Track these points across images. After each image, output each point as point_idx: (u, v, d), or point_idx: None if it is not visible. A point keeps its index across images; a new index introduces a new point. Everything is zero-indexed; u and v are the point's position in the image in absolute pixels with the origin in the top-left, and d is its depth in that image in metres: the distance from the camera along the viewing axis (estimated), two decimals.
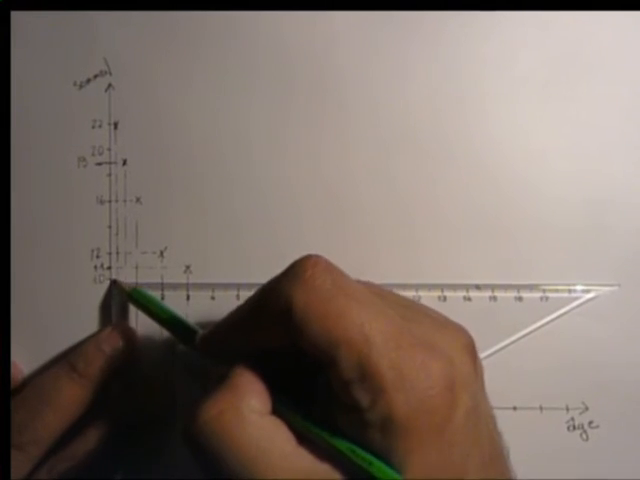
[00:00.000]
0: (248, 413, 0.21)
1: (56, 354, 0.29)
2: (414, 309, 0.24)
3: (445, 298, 0.29)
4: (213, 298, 0.29)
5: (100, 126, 0.29)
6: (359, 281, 0.23)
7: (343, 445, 0.21)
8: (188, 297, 0.29)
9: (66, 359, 0.28)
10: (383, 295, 0.24)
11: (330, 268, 0.22)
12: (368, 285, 0.24)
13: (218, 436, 0.21)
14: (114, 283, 0.29)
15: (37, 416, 0.27)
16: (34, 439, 0.27)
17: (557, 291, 0.29)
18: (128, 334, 0.29)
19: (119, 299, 0.29)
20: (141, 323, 0.29)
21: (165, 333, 0.29)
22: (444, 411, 0.21)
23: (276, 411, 0.22)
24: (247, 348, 0.23)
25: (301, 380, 0.23)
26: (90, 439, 0.28)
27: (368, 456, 0.21)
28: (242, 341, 0.23)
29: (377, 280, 0.29)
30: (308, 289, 0.21)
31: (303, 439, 0.21)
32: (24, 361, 0.29)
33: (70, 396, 0.28)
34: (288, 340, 0.22)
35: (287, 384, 0.23)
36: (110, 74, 0.29)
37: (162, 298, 0.29)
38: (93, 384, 0.28)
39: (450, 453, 0.21)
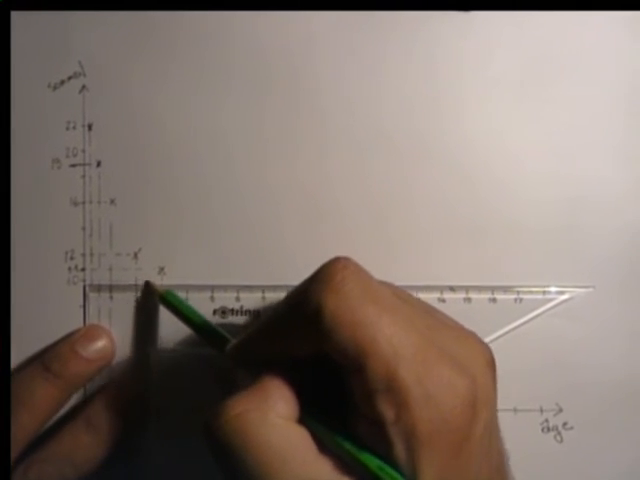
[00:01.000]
0: (273, 417, 0.21)
1: (30, 355, 0.29)
2: (434, 316, 0.24)
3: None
4: (187, 300, 0.29)
5: (74, 128, 0.29)
6: (383, 283, 0.23)
7: (372, 462, 0.21)
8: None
9: (40, 360, 0.28)
10: (406, 299, 0.24)
11: (360, 272, 0.22)
12: (392, 289, 0.24)
13: (240, 435, 0.21)
14: (147, 284, 0.29)
15: (12, 417, 0.27)
16: None
17: (531, 292, 0.29)
18: (103, 335, 0.29)
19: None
20: (115, 325, 0.29)
21: (140, 335, 0.30)
22: (465, 429, 0.21)
23: (302, 420, 0.22)
24: (277, 356, 0.23)
25: (327, 390, 0.23)
26: (65, 440, 0.28)
27: (396, 474, 0.20)
28: (272, 348, 0.23)
29: None
30: (338, 294, 0.21)
31: (325, 449, 0.21)
32: None
33: (44, 397, 0.28)
34: (317, 347, 0.21)
35: (314, 394, 0.22)
36: (84, 75, 0.29)
37: (136, 300, 0.29)
38: (67, 385, 0.28)
39: (466, 467, 0.21)
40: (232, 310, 0.30)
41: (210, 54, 0.30)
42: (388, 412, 0.20)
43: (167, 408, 0.29)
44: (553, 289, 0.29)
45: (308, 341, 0.22)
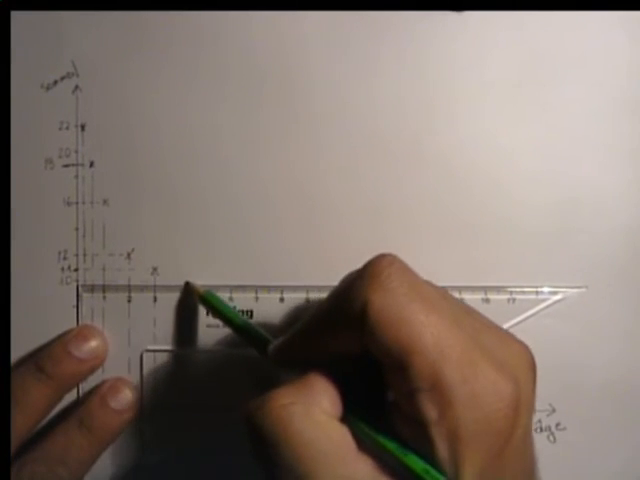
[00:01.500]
0: (318, 412, 0.21)
1: (23, 355, 0.29)
2: (476, 317, 0.23)
3: None
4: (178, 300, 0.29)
5: (67, 128, 0.29)
6: (427, 282, 0.23)
7: (417, 464, 0.20)
8: (155, 299, 0.29)
9: (33, 360, 0.28)
10: (449, 299, 0.23)
11: (406, 269, 0.22)
12: (436, 287, 0.24)
13: (282, 426, 0.21)
14: (187, 284, 0.29)
15: None
16: None
17: (524, 293, 0.29)
18: (96, 335, 0.29)
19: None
20: (108, 325, 0.29)
21: (133, 335, 0.30)
22: (507, 432, 0.20)
23: (343, 419, 0.22)
24: (319, 356, 0.23)
25: (368, 389, 0.23)
26: (58, 440, 0.28)
27: (441, 477, 0.20)
28: (315, 347, 0.23)
29: None
30: (384, 291, 0.21)
31: (364, 449, 0.21)
32: None
33: (37, 397, 0.28)
34: (360, 345, 0.21)
35: (355, 393, 0.22)
36: (77, 76, 0.29)
37: (129, 300, 0.29)
38: (60, 385, 0.28)
39: (504, 471, 0.21)
40: None
41: (203, 54, 0.30)
42: (431, 411, 0.20)
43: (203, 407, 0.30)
44: (546, 289, 0.29)
45: (352, 339, 0.21)
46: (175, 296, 0.29)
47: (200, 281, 0.29)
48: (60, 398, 0.29)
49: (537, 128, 0.29)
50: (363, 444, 0.21)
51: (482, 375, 0.20)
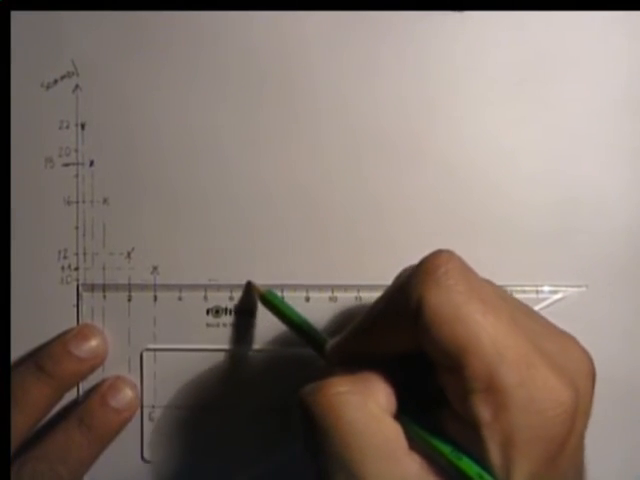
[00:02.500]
0: (372, 405, 0.21)
1: (22, 355, 0.29)
2: (536, 319, 0.23)
3: None
4: (180, 299, 0.29)
5: (67, 127, 0.29)
6: (485, 280, 0.22)
7: (471, 469, 0.20)
8: (155, 298, 0.29)
9: (33, 359, 0.28)
10: (508, 299, 0.23)
11: (463, 266, 0.21)
12: (494, 287, 0.23)
13: (335, 414, 0.20)
14: (249, 284, 0.29)
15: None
16: None
17: (525, 292, 0.29)
18: (96, 334, 0.29)
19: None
20: (109, 324, 0.29)
21: (133, 334, 0.30)
22: (562, 439, 0.20)
23: (397, 418, 0.22)
24: (376, 355, 0.22)
25: (421, 388, 0.23)
26: (59, 439, 0.28)
27: None
28: (371, 346, 0.23)
29: (356, 280, 0.29)
30: (440, 288, 0.20)
31: (415, 447, 0.21)
32: None
33: (38, 396, 0.28)
34: (415, 344, 0.21)
35: (408, 392, 0.22)
36: (77, 75, 0.29)
37: (129, 299, 0.29)
38: (60, 384, 0.28)
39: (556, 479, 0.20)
40: (226, 309, 0.30)
41: (204, 54, 0.30)
42: (485, 413, 0.20)
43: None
44: (546, 288, 0.29)
45: (407, 337, 0.21)
46: (175, 295, 0.29)
47: (201, 280, 0.29)
48: (60, 397, 0.29)
49: (537, 128, 0.29)
50: (414, 443, 0.21)
51: (540, 379, 0.20)
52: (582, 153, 0.30)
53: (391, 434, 0.21)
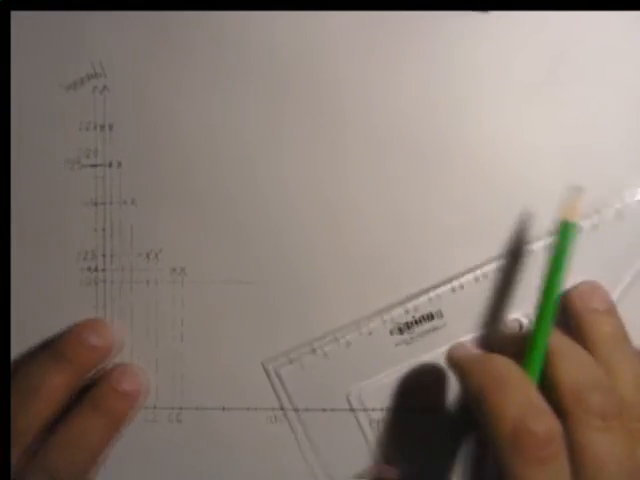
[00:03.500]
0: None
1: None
2: None
3: None
4: (207, 300, 0.29)
5: (94, 128, 0.29)
6: None
7: None
8: (182, 299, 0.29)
9: (52, 347, 0.28)
10: None
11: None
12: None
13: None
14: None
15: (26, 405, 0.27)
16: (24, 429, 0.27)
17: None
18: (111, 324, 0.29)
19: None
20: (135, 326, 0.29)
21: (160, 336, 0.29)
22: None
23: None
24: None
25: None
26: (75, 425, 0.28)
27: None
28: None
29: (377, 283, 0.29)
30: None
31: None
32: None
33: (57, 384, 0.28)
34: None
35: None
36: (105, 76, 0.29)
37: (156, 301, 0.29)
38: (78, 371, 0.28)
39: None
40: None
41: (229, 54, 0.30)
42: None
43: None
44: None
45: None
46: (203, 296, 0.29)
47: (227, 281, 0.29)
48: (79, 384, 0.29)
49: (563, 128, 0.29)
50: None
51: None
52: (607, 154, 0.29)
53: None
